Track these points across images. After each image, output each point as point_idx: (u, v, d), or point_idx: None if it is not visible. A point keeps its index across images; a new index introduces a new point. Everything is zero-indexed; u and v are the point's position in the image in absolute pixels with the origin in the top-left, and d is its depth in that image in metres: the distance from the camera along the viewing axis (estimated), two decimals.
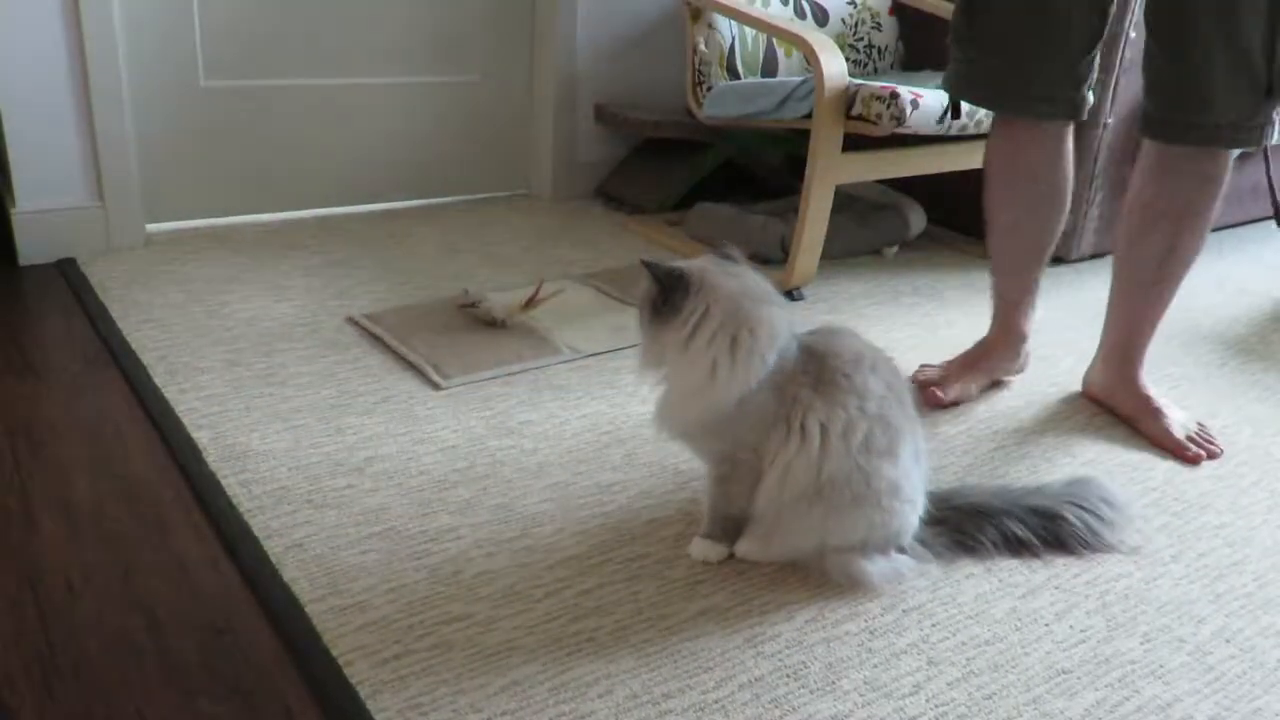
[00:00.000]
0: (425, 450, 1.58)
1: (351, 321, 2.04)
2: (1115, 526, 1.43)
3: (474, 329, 2.01)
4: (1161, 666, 1.20)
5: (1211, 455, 1.69)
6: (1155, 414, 1.75)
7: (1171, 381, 1.98)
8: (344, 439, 1.59)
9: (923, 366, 1.94)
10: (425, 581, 1.27)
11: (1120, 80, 2.47)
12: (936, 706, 1.12)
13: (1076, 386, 1.92)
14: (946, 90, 1.80)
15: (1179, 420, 1.74)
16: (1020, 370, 1.95)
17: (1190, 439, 1.71)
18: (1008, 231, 1.83)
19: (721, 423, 1.25)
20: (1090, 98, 1.71)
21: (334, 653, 1.14)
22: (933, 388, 1.84)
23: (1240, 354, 2.14)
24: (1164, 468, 1.65)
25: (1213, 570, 1.39)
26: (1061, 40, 1.64)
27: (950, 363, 1.92)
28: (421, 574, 1.28)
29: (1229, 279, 2.62)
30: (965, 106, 2.13)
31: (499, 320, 2.01)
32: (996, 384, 1.93)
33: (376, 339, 1.96)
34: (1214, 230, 3.20)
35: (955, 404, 1.84)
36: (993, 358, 1.91)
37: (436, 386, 1.78)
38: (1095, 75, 1.71)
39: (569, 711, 1.08)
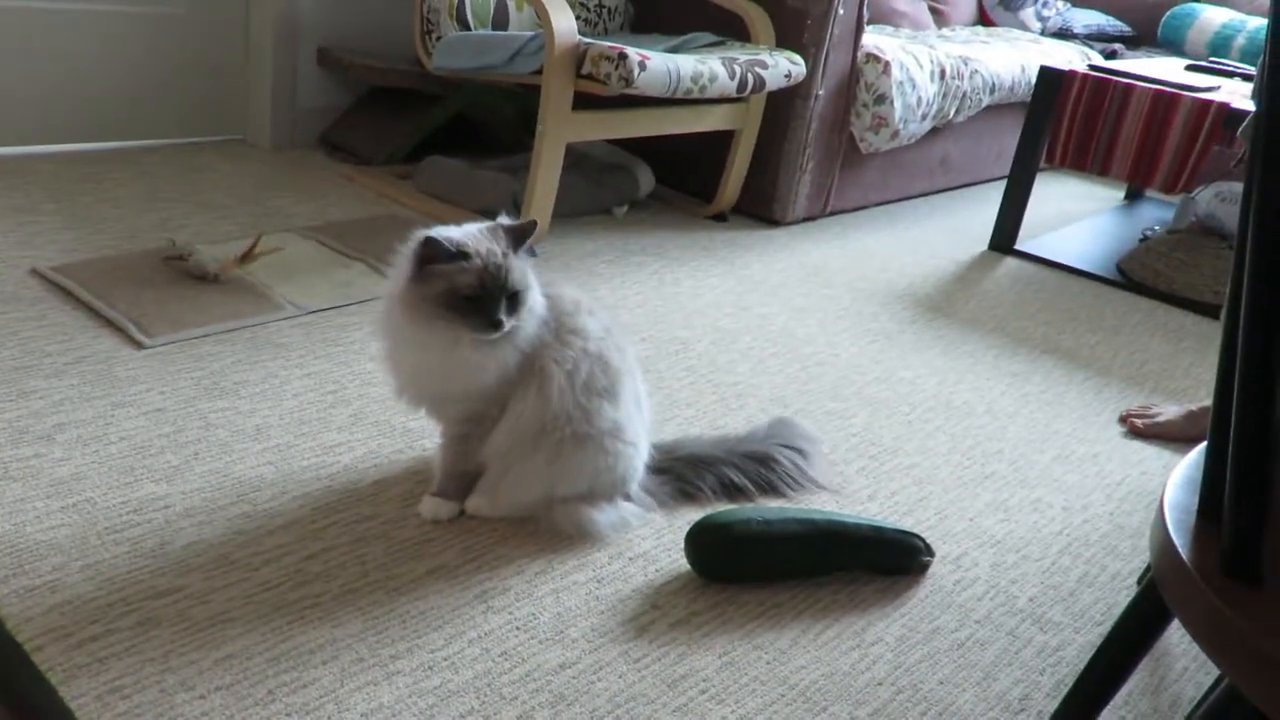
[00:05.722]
0: (126, 414, 1.45)
1: (37, 274, 1.83)
2: (817, 463, 1.54)
3: (183, 284, 1.86)
4: (857, 593, 1.32)
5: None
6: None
7: (870, 337, 2.16)
8: (29, 404, 1.44)
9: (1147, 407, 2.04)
10: (127, 555, 1.17)
11: (830, 55, 2.64)
12: (659, 646, 1.17)
13: (796, 344, 2.06)
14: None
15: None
16: None
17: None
18: None
19: (482, 392, 1.28)
20: None
21: (20, 639, 1.03)
22: (1133, 418, 1.96)
23: (928, 311, 2.37)
24: (863, 415, 1.80)
25: (903, 506, 1.54)
26: None
27: (1175, 411, 2.00)
28: (123, 547, 1.19)
29: (921, 244, 2.88)
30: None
31: (211, 274, 1.88)
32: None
33: (68, 294, 1.77)
34: (908, 199, 3.48)
35: (1146, 436, 1.94)
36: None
37: (139, 345, 1.64)
38: None
39: (290, 681, 1.04)
